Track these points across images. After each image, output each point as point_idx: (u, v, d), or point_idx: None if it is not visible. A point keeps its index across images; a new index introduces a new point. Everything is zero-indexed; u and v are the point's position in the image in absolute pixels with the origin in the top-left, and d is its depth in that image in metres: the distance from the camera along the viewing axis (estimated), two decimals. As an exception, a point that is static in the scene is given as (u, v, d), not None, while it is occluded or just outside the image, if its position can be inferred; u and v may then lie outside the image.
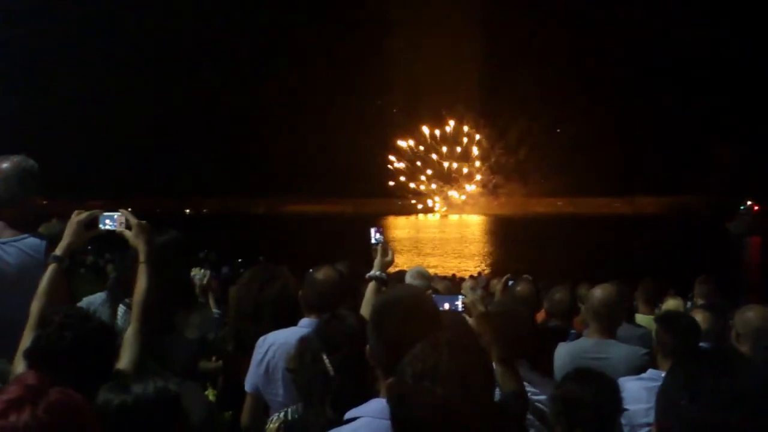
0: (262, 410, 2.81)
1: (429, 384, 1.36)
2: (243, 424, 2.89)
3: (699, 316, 3.67)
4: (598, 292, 3.65)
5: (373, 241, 3.39)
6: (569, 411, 2.37)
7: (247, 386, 2.89)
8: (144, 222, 2.74)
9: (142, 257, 2.65)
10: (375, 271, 3.23)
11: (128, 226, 2.71)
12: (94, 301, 4.14)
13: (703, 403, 1.19)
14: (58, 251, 2.65)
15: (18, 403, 1.29)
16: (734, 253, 42.23)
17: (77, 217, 2.69)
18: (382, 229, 3.47)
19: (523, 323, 3.11)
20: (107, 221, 2.74)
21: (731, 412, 1.17)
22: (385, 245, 3.35)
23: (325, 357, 2.24)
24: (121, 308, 3.28)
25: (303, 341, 2.40)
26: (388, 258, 3.32)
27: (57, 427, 1.30)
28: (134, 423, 1.82)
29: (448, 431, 1.37)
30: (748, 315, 3.38)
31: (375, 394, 1.82)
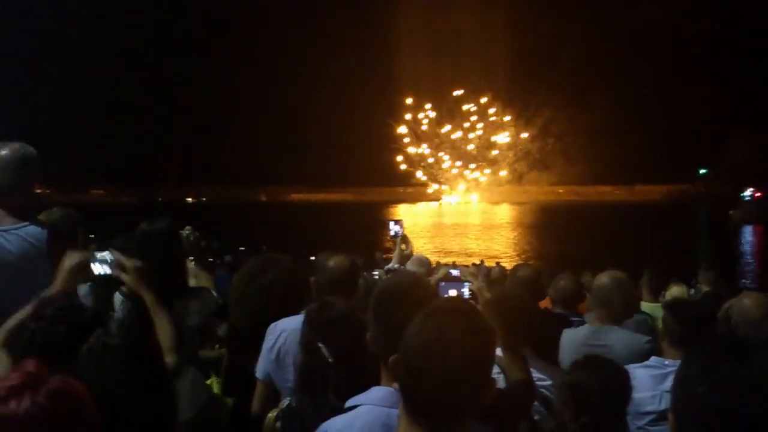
0: (273, 396, 2.81)
1: (438, 355, 1.36)
2: (254, 410, 2.89)
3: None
4: (603, 279, 3.64)
5: (391, 233, 3.37)
6: (577, 398, 2.35)
7: (258, 373, 2.89)
8: (137, 262, 2.67)
9: (150, 303, 2.59)
10: (394, 264, 3.22)
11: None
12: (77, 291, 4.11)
13: (720, 390, 1.18)
14: (47, 293, 2.55)
15: (18, 390, 1.29)
16: (737, 241, 42.24)
17: (69, 262, 2.60)
18: (401, 222, 3.44)
19: (527, 310, 3.09)
20: (100, 264, 2.62)
21: (749, 399, 1.16)
22: (405, 238, 3.33)
23: (321, 345, 2.23)
24: (117, 297, 3.26)
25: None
26: (407, 251, 3.31)
27: (57, 413, 1.31)
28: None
29: (461, 400, 1.39)
30: (745, 302, 3.38)
31: (377, 380, 1.80)
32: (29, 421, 1.27)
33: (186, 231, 3.76)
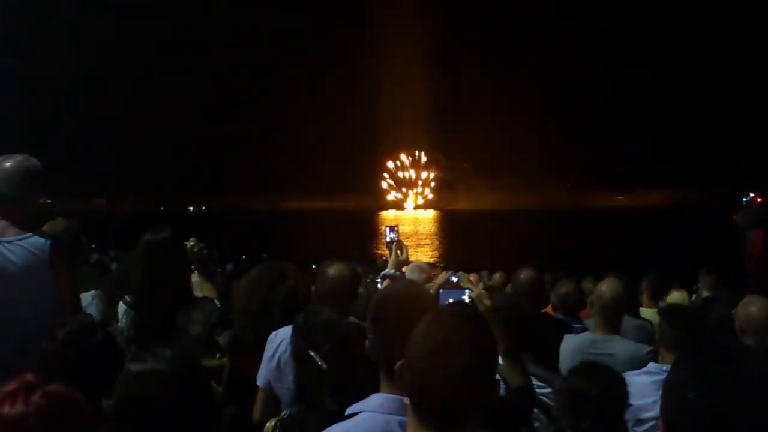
0: (274, 405, 2.83)
1: (445, 358, 1.39)
2: (255, 419, 2.90)
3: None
4: (605, 287, 3.64)
5: (387, 239, 3.41)
6: (575, 405, 2.36)
7: (259, 381, 2.91)
8: None
9: None
10: (390, 270, 3.25)
11: None
12: (84, 297, 4.14)
13: (710, 396, 1.18)
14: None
15: (13, 395, 1.31)
16: (739, 246, 42.16)
17: None
18: (397, 228, 3.47)
19: (528, 316, 3.10)
20: None
21: (740, 406, 1.16)
22: (400, 244, 3.36)
23: (312, 353, 2.25)
24: (121, 307, 3.28)
25: None
26: (403, 257, 3.34)
27: (52, 413, 1.32)
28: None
29: (469, 402, 1.41)
30: (751, 309, 3.35)
31: (374, 384, 1.81)
32: (21, 420, 1.28)
33: (191, 242, 3.79)
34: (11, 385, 1.35)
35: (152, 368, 1.77)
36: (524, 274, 4.47)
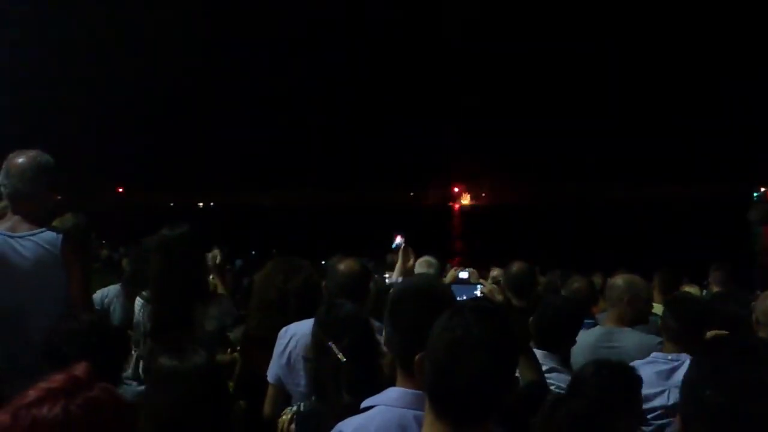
0: (284, 400, 2.83)
1: (465, 353, 1.37)
2: (265, 414, 2.91)
3: None
4: (617, 281, 3.63)
5: (393, 246, 3.38)
6: None
7: (270, 377, 2.91)
8: None
9: None
10: (395, 278, 3.23)
11: None
12: (108, 293, 4.18)
13: (728, 393, 1.17)
14: None
15: (56, 394, 1.24)
16: (749, 241, 41.87)
17: None
18: (404, 233, 3.44)
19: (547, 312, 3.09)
20: None
21: (758, 403, 1.15)
22: (407, 250, 3.33)
23: (332, 345, 2.26)
24: (138, 301, 3.31)
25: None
26: (410, 263, 3.31)
27: (88, 424, 1.25)
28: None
29: (487, 399, 1.40)
30: None
31: (390, 378, 1.81)
32: (56, 427, 1.21)
33: (213, 252, 3.82)
34: (57, 381, 1.27)
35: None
36: (516, 267, 4.40)
